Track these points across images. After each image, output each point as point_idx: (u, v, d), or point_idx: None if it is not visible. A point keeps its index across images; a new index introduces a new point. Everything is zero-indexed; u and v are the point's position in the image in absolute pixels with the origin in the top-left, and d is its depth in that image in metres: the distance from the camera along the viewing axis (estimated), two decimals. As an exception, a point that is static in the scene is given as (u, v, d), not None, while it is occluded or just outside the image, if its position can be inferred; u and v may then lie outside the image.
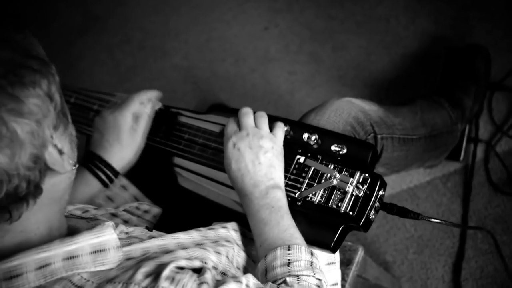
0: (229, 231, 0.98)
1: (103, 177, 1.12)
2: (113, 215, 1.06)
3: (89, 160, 1.13)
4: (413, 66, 1.82)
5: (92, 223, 0.92)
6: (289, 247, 0.88)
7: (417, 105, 1.45)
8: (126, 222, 1.06)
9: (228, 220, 1.03)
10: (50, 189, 0.71)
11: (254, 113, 1.06)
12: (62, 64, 2.49)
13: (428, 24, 1.84)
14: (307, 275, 0.84)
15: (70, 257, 0.72)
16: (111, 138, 1.13)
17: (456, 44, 1.75)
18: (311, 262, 0.87)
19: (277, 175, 0.98)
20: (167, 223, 1.11)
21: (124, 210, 1.09)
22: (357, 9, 1.95)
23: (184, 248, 0.85)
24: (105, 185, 1.13)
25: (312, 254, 0.89)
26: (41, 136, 0.66)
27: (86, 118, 1.29)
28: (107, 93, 1.32)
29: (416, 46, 1.83)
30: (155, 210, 1.13)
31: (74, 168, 0.74)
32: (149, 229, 0.93)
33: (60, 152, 0.70)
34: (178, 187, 1.18)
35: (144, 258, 0.78)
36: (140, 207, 1.12)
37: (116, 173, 1.14)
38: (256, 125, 1.03)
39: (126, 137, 1.14)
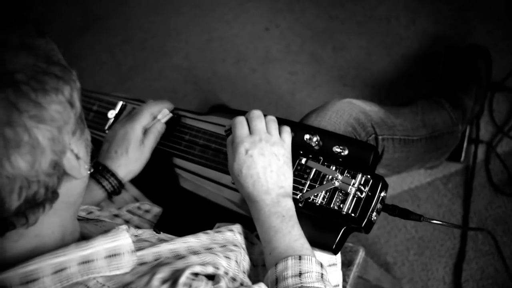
0: (235, 234, 0.97)
1: (109, 187, 1.11)
2: (115, 216, 1.06)
3: (96, 169, 1.12)
4: (414, 67, 1.82)
5: (100, 225, 0.92)
6: (300, 258, 0.87)
7: (418, 106, 1.44)
8: (127, 222, 1.07)
9: (228, 221, 1.03)
10: (65, 194, 0.71)
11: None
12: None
13: (428, 25, 1.84)
14: None
15: (86, 262, 0.73)
16: (119, 150, 1.13)
17: (457, 44, 1.75)
18: (322, 274, 0.87)
19: (287, 183, 0.97)
20: (168, 223, 1.11)
21: (127, 211, 1.09)
22: (357, 10, 1.95)
23: (195, 252, 0.85)
24: (109, 195, 1.13)
25: (321, 266, 0.88)
26: (61, 142, 0.66)
27: (86, 118, 1.29)
28: (106, 94, 1.32)
29: (417, 47, 1.83)
30: (156, 209, 1.13)
31: (88, 172, 0.74)
32: (157, 232, 0.93)
33: (77, 157, 0.70)
34: (179, 188, 1.18)
35: (158, 264, 0.78)
36: (141, 207, 1.12)
37: (121, 184, 1.13)
38: (266, 130, 1.02)
39: (135, 150, 1.13)
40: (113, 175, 1.11)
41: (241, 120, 1.02)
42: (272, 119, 1.03)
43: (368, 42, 1.90)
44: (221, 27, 2.13)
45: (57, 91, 0.65)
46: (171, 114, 1.19)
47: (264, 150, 0.97)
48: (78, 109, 0.68)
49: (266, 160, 0.96)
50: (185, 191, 1.17)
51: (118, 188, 1.12)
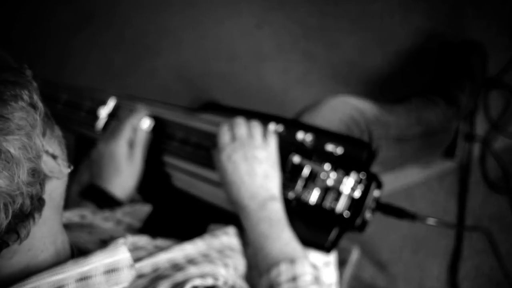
0: (231, 237, 0.97)
1: (108, 208, 1.11)
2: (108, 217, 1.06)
3: (93, 193, 1.12)
4: (408, 63, 1.81)
5: (94, 232, 0.91)
6: (292, 262, 0.87)
7: (412, 103, 1.44)
8: (119, 222, 1.06)
9: (222, 220, 1.02)
10: (48, 198, 0.68)
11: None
12: (55, 62, 2.47)
13: (422, 22, 1.84)
14: None
15: (84, 278, 0.71)
16: (111, 170, 1.12)
17: (451, 40, 1.75)
18: (315, 276, 0.87)
19: (273, 185, 0.97)
20: (159, 222, 1.10)
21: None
22: (350, 7, 1.94)
23: (192, 260, 0.84)
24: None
25: (314, 267, 0.88)
26: (34, 147, 0.63)
27: (78, 116, 1.28)
28: (99, 91, 1.31)
29: (411, 43, 1.83)
30: (146, 208, 1.12)
31: (69, 170, 0.71)
32: (153, 238, 0.92)
33: (53, 156, 0.67)
34: (172, 186, 1.18)
35: (157, 276, 0.77)
36: (132, 206, 1.11)
37: (120, 204, 1.13)
38: (249, 135, 1.01)
39: (125, 166, 1.13)
40: (111, 197, 1.12)
41: (223, 129, 1.02)
42: (255, 124, 1.03)
43: (361, 39, 1.90)
44: (214, 25, 2.12)
45: (16, 97, 0.61)
46: (150, 121, 1.18)
47: (247, 154, 0.97)
48: (42, 108, 0.65)
49: (248, 164, 0.96)
50: (178, 189, 1.17)
51: (116, 206, 1.12)
